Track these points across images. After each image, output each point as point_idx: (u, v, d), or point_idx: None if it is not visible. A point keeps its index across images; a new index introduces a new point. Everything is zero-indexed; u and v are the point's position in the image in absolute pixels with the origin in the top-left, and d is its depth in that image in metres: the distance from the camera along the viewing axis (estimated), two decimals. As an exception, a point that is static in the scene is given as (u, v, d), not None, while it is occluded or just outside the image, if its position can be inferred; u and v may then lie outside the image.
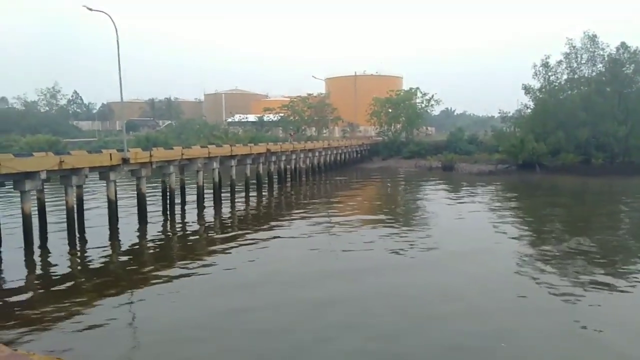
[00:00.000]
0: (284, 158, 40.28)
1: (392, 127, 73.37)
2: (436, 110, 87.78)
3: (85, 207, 21.56)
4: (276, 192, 36.49)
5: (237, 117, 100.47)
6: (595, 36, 53.31)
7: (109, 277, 15.42)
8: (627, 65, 52.65)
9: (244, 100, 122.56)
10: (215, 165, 29.37)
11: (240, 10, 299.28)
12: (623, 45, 52.60)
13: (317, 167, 49.09)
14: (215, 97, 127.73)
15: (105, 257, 17.71)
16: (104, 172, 21.32)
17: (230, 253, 17.97)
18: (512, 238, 20.26)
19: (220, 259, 17.01)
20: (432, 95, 73.97)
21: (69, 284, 14.74)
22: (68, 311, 12.00)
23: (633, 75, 52.92)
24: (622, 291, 13.35)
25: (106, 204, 21.96)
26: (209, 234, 22.21)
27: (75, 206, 20.13)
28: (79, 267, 16.77)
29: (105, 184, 21.88)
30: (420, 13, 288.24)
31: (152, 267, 16.47)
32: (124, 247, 19.22)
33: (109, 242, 19.66)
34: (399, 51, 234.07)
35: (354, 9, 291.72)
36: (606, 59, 53.36)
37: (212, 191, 29.41)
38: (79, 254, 18.40)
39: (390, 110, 72.97)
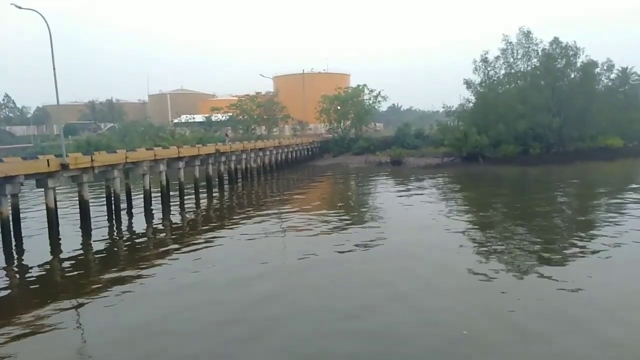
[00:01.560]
0: (234, 158, 39.74)
1: (342, 124, 74.03)
2: (383, 107, 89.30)
3: (22, 216, 20.34)
4: (227, 192, 35.91)
5: (183, 118, 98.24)
6: (529, 32, 56.10)
7: (49, 289, 14.59)
8: (559, 60, 55.78)
9: (191, 100, 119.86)
10: (162, 167, 28.51)
11: (182, 6, 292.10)
12: (555, 40, 55.68)
13: (268, 166, 48.78)
14: (160, 98, 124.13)
15: (45, 269, 16.78)
16: (41, 180, 20.17)
17: (177, 257, 17.42)
18: (456, 220, 21.64)
19: (167, 263, 16.49)
20: (379, 92, 75.23)
21: (3, 299, 13.87)
22: (6, 327, 11.28)
23: (565, 69, 56.15)
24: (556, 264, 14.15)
25: (45, 212, 20.78)
26: (156, 239, 21.48)
27: (10, 217, 18.93)
28: (15, 281, 15.80)
29: (43, 192, 20.73)
30: (364, 12, 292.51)
31: (95, 275, 15.73)
32: (66, 258, 18.22)
33: (49, 254, 18.59)
34: (345, 49, 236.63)
35: (300, 6, 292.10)
36: (540, 53, 56.29)
37: (159, 195, 28.53)
38: (15, 268, 17.30)
39: (339, 108, 73.58)
